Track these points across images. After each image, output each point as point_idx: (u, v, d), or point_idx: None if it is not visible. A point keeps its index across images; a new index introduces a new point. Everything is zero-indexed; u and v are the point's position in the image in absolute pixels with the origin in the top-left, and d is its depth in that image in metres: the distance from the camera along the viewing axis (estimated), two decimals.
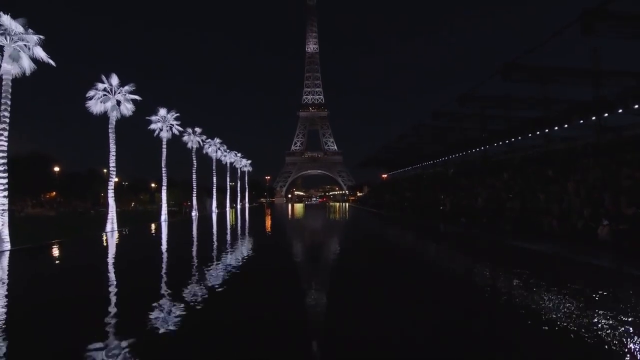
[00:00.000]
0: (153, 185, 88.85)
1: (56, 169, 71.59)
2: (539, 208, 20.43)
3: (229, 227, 31.75)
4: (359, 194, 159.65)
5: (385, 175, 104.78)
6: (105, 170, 74.66)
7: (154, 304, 7.66)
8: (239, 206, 71.14)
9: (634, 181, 17.41)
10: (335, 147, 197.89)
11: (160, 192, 37.71)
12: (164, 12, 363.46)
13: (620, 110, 22.94)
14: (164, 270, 12.62)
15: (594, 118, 25.06)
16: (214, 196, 52.58)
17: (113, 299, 8.62)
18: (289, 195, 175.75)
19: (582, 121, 26.03)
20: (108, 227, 24.79)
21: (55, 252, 17.10)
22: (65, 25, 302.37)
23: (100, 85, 25.07)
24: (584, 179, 21.32)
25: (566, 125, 27.87)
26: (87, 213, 63.44)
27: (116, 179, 26.76)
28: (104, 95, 25.11)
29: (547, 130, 29.66)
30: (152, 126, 34.65)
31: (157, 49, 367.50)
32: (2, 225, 16.60)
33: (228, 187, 60.77)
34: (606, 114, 24.16)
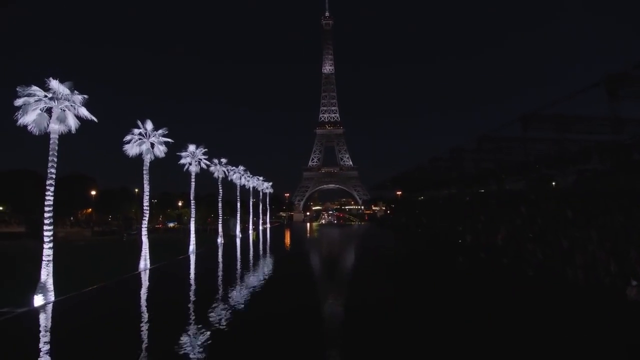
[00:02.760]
0: (180, 203, 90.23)
1: (93, 192, 73.36)
2: (562, 254, 19.58)
3: (253, 258, 31.58)
4: (374, 208, 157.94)
5: (400, 193, 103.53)
6: (137, 190, 76.44)
7: None
8: (260, 227, 71.45)
9: None
10: (351, 163, 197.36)
11: (189, 216, 37.71)
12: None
13: None
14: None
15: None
16: (238, 219, 52.88)
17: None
18: (307, 213, 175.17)
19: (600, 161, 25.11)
20: (141, 265, 24.87)
21: (97, 301, 17.29)
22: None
23: (136, 130, 25.52)
24: (605, 224, 20.41)
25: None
26: (119, 235, 64.79)
27: (147, 203, 26.61)
28: (140, 139, 25.56)
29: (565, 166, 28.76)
30: (182, 161, 35.12)
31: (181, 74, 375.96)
32: (47, 275, 16.77)
33: (251, 210, 61.07)
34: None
